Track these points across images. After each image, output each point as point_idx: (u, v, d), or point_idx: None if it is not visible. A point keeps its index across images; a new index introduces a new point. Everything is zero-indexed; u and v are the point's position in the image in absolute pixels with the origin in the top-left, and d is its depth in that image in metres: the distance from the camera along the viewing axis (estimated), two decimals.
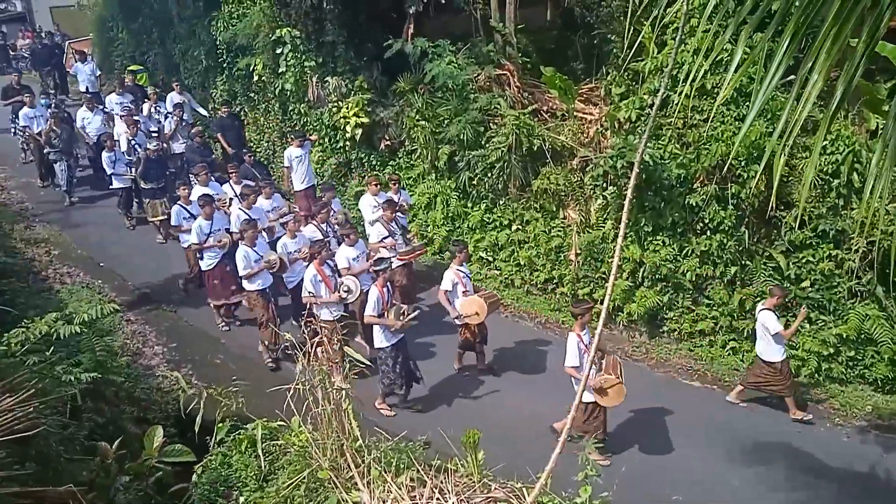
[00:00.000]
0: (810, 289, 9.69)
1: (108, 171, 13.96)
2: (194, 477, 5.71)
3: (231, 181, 12.34)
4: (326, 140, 14.55)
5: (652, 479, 8.09)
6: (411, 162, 13.61)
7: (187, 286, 12.02)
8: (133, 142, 14.20)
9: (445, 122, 12.38)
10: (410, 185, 13.46)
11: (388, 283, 9.39)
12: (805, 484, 8.04)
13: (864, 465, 8.35)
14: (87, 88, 19.33)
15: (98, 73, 20.16)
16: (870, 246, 9.13)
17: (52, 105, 16.37)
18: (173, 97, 16.10)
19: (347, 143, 14.09)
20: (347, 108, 13.75)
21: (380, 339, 8.95)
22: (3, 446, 3.93)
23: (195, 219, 11.09)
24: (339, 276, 9.85)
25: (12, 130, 17.26)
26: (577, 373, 7.94)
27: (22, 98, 16.33)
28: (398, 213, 11.14)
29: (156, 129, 15.32)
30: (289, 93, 14.79)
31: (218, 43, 16.58)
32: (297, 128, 15.30)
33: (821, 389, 9.63)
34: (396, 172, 12.80)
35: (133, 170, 13.70)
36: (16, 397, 4.18)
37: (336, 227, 10.94)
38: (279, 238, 10.87)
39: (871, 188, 3.06)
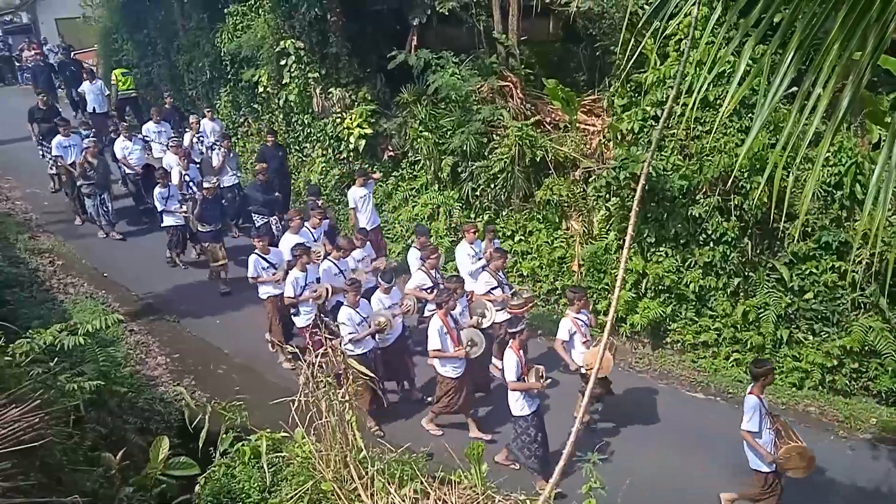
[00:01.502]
0: (814, 301, 9.69)
1: (160, 208, 12.76)
2: (197, 488, 5.70)
3: (308, 224, 11.29)
4: (330, 151, 14.61)
5: (656, 491, 8.04)
6: (414, 173, 13.65)
7: (273, 342, 10.81)
8: (186, 175, 13.30)
9: (448, 133, 12.42)
10: (413, 195, 13.50)
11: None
12: (810, 498, 7.99)
13: (869, 478, 8.30)
14: (94, 109, 18.40)
15: (107, 92, 19.11)
16: (873, 258, 9.13)
17: (91, 135, 15.11)
18: (206, 124, 15.29)
19: (351, 153, 14.15)
20: (351, 118, 13.81)
21: (520, 406, 7.97)
22: (8, 457, 3.94)
23: (274, 268, 10.33)
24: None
25: (41, 153, 16.14)
26: (753, 438, 7.26)
27: (52, 122, 15.29)
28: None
29: (198, 160, 14.55)
30: (293, 104, 14.86)
31: (222, 54, 16.68)
32: (299, 139, 15.36)
33: (824, 402, 9.60)
34: (493, 222, 11.72)
35: (186, 207, 12.70)
36: (21, 408, 4.20)
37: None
38: (371, 289, 9.85)
39: (872, 199, 3.07)
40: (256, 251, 10.49)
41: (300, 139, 15.41)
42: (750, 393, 7.32)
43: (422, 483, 4.88)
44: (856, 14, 2.76)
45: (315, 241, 10.95)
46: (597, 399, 8.96)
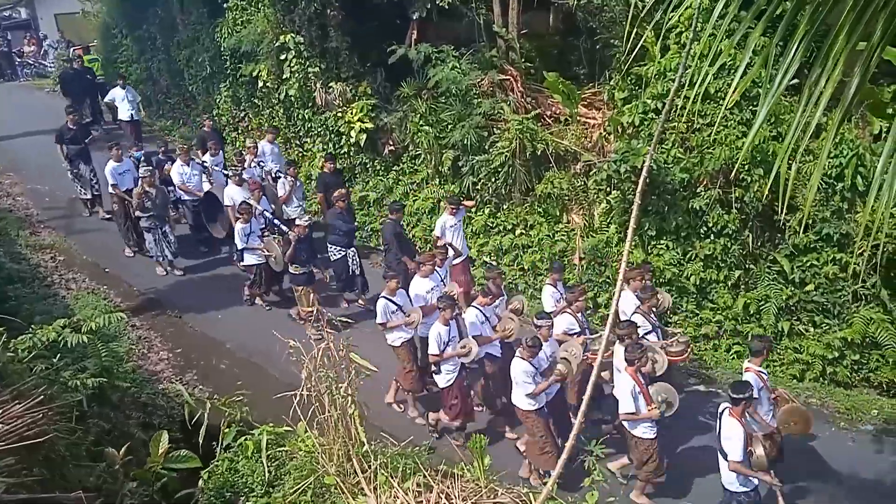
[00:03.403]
0: (815, 293, 9.70)
1: (241, 246, 11.44)
2: (200, 482, 5.72)
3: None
4: (331, 145, 14.59)
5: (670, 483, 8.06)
6: (415, 167, 13.64)
7: (400, 398, 9.72)
8: (266, 212, 12.05)
9: (449, 126, 12.41)
10: (414, 190, 13.50)
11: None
12: (810, 489, 8.01)
13: (870, 469, 8.32)
14: (131, 117, 17.16)
15: (138, 99, 17.89)
16: (874, 249, 9.13)
17: (143, 160, 13.67)
18: (265, 146, 13.89)
19: (351, 148, 14.13)
20: (352, 113, 13.79)
21: (741, 481, 6.87)
22: (12, 453, 3.95)
23: (402, 311, 9.24)
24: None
25: (69, 174, 14.87)
26: None
27: (83, 143, 14.38)
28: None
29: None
30: (293, 99, 14.83)
31: (222, 49, 16.64)
32: (300, 133, 15.33)
33: (826, 393, 9.61)
34: (648, 261, 10.23)
35: (265, 243, 11.44)
36: (25, 404, 4.21)
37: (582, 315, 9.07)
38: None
39: (876, 192, 3.07)
40: (384, 294, 9.29)
41: (300, 134, 15.39)
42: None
43: (425, 477, 4.88)
44: (861, 3, 2.75)
45: (442, 280, 9.95)
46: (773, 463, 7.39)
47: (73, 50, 23.85)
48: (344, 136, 14.07)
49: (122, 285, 12.65)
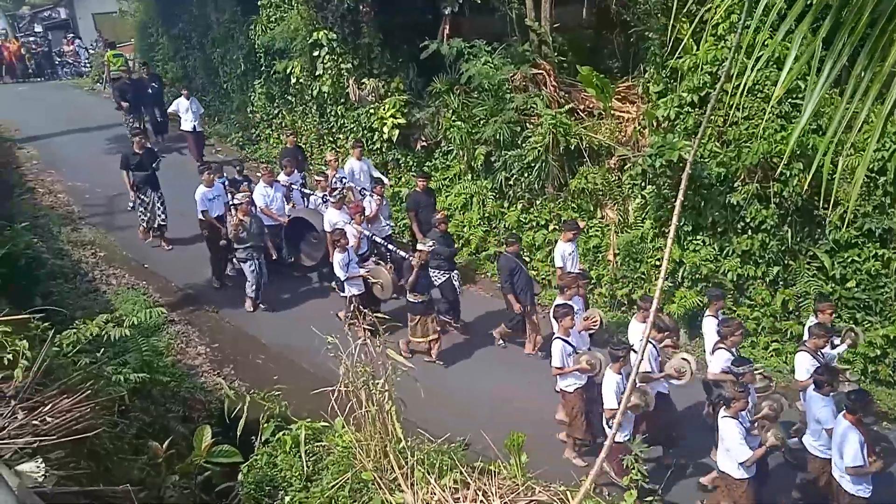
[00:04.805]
0: (856, 289, 9.50)
1: (343, 277, 10.64)
2: (240, 476, 5.80)
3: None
4: (363, 141, 14.67)
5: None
6: (447, 162, 13.66)
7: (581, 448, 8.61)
8: (368, 235, 11.41)
9: (481, 122, 12.41)
10: (447, 185, 13.51)
11: None
12: None
13: None
14: (194, 128, 16.65)
15: (202, 110, 17.33)
16: None
17: (230, 184, 12.65)
18: (353, 164, 12.97)
19: (384, 143, 14.19)
20: (384, 109, 13.84)
21: None
22: (61, 446, 4.06)
23: (576, 352, 8.38)
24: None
25: (130, 205, 14.25)
26: None
27: (149, 169, 13.37)
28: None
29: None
30: (326, 95, 14.94)
31: (256, 47, 16.84)
32: (333, 130, 15.42)
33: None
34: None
35: (370, 269, 10.91)
36: (73, 398, 4.32)
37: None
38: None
39: None
40: (558, 335, 8.40)
41: (333, 130, 15.51)
42: None
43: (461, 473, 4.89)
44: None
45: (579, 309, 9.25)
46: None
47: (106, 52, 24.08)
48: (377, 132, 14.16)
49: (160, 281, 12.87)
